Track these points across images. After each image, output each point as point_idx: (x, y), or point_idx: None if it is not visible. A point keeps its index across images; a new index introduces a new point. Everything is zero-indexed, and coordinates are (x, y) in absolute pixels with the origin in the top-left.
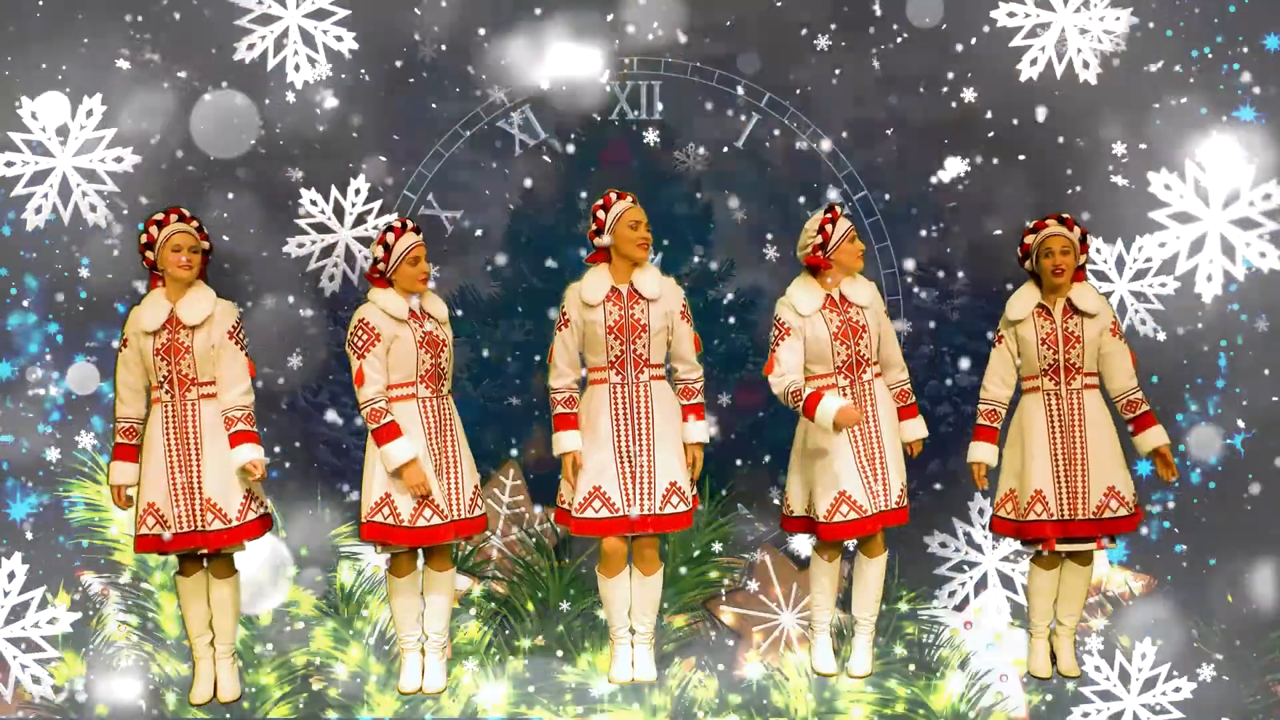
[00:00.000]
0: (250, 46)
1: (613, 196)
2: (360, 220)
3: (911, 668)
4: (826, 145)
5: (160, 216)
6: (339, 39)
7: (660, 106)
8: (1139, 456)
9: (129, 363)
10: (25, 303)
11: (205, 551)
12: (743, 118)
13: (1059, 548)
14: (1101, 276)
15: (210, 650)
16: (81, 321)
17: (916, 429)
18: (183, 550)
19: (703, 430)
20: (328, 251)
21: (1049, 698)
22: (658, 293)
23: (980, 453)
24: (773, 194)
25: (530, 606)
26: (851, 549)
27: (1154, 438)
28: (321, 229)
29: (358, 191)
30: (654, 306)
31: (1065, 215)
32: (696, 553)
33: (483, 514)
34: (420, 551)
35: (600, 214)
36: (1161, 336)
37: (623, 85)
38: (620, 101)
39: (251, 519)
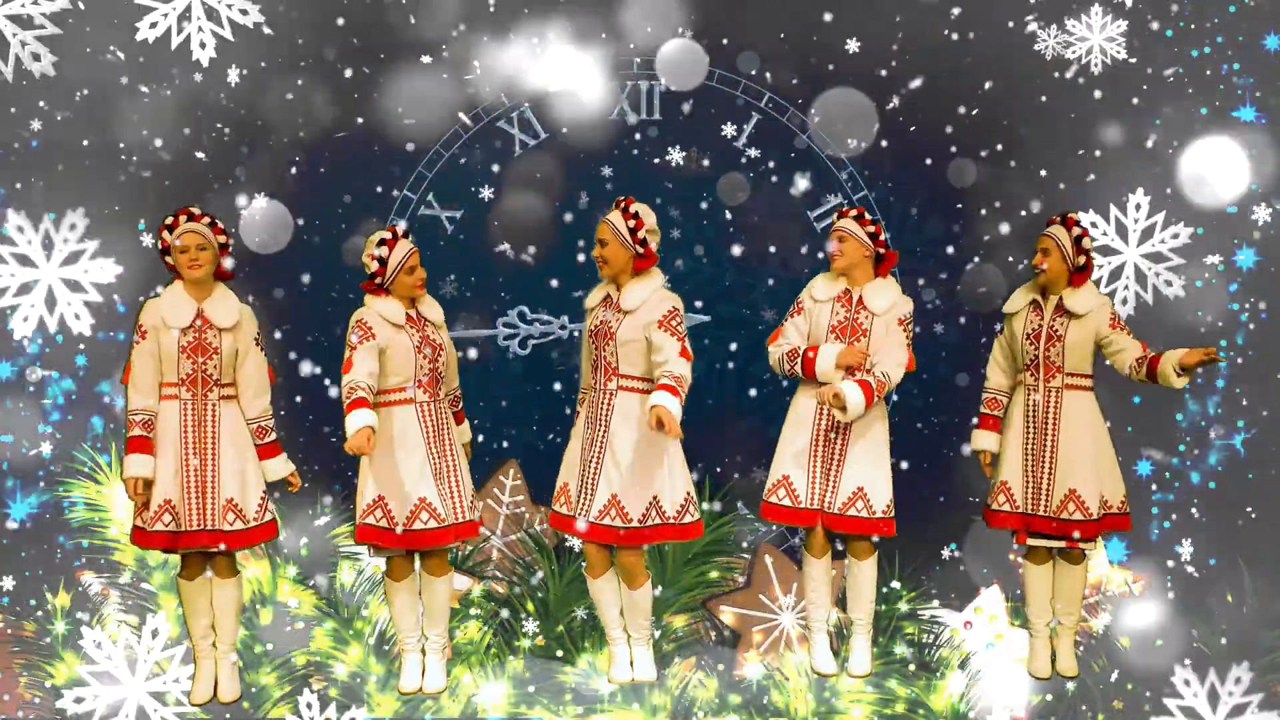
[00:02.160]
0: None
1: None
2: None
3: (911, 668)
4: (827, 146)
5: (170, 220)
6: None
7: (660, 107)
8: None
9: (147, 355)
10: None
11: (222, 549)
12: (743, 118)
13: (1030, 542)
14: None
15: (212, 651)
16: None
17: (849, 390)
18: (192, 549)
19: (668, 399)
20: None
21: (1049, 698)
22: (637, 304)
23: (982, 441)
24: (772, 194)
25: (530, 607)
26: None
27: (1172, 357)
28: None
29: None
30: (630, 318)
31: (1070, 214)
32: (696, 553)
33: (477, 519)
34: (416, 555)
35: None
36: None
37: (623, 86)
38: (621, 102)
39: (268, 520)
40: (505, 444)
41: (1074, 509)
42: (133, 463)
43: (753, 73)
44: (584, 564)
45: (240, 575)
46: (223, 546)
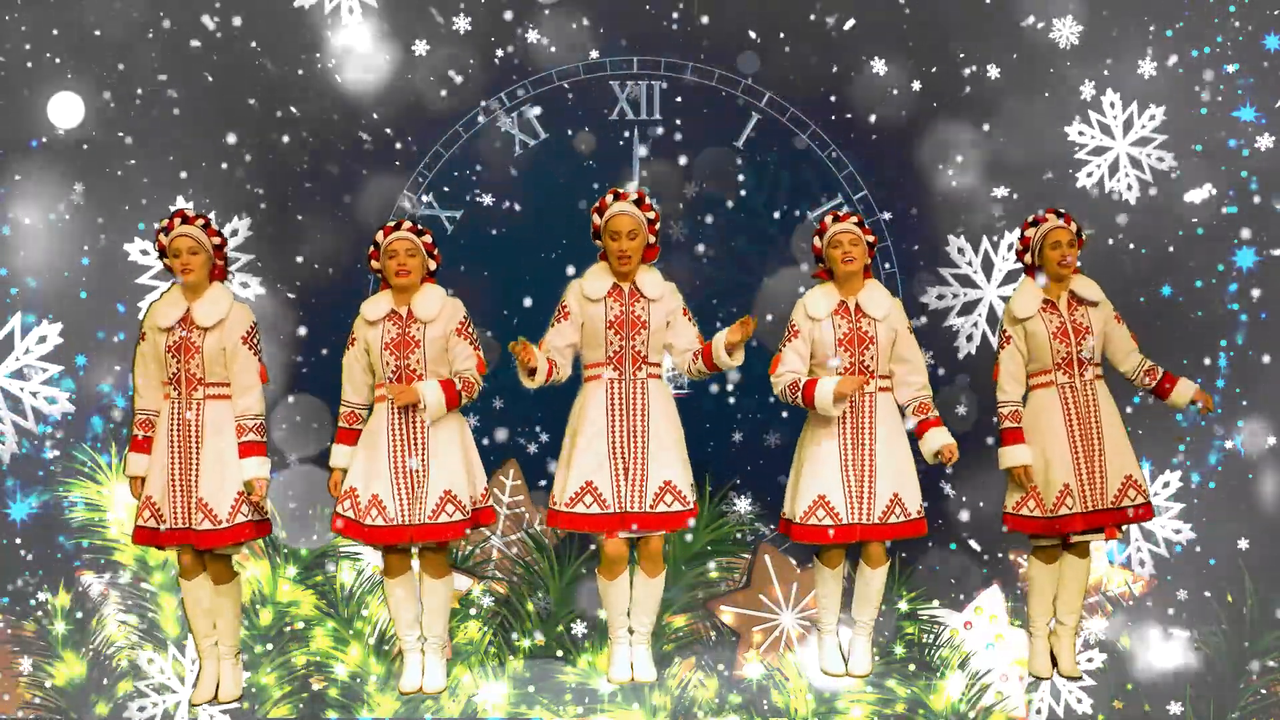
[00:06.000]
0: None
1: (609, 199)
2: None
3: (911, 668)
4: (827, 145)
5: (165, 223)
6: None
7: (660, 106)
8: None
9: (145, 356)
10: (25, 303)
11: (202, 550)
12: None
13: (1075, 538)
14: None
15: (215, 650)
16: (81, 321)
17: (938, 437)
18: (176, 546)
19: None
20: None
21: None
22: (659, 293)
23: (1020, 455)
24: (772, 194)
25: (530, 607)
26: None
27: (1185, 389)
28: None
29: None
30: (655, 306)
31: (1063, 210)
32: (696, 553)
33: (454, 521)
34: (413, 553)
35: (595, 217)
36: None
37: (623, 86)
38: (621, 102)
39: (242, 521)
40: (505, 444)
41: (1134, 494)
42: (129, 462)
43: (753, 72)
44: (598, 564)
45: (238, 578)
46: (193, 546)
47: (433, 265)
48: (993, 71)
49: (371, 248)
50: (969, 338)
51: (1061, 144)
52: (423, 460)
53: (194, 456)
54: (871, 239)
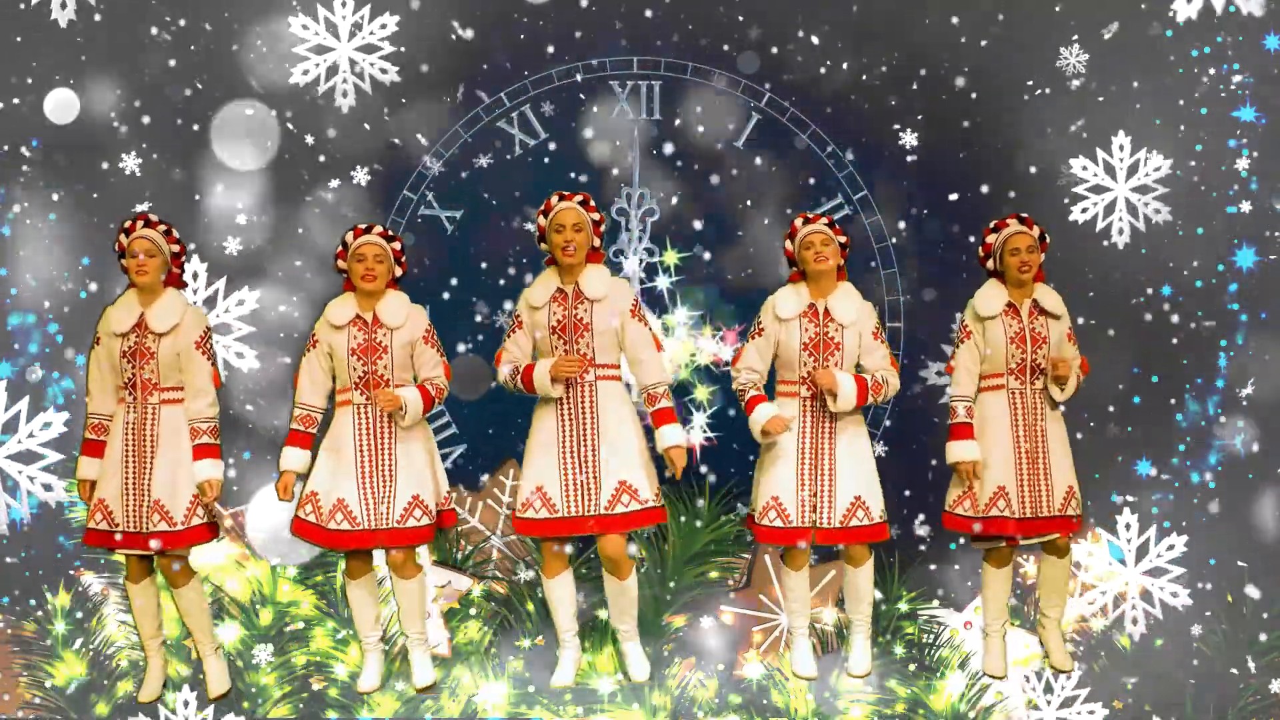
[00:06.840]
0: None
1: (554, 200)
2: None
3: (911, 668)
4: (827, 145)
5: (128, 223)
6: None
7: (660, 106)
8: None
9: (99, 360)
10: (25, 303)
11: (155, 553)
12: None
13: (1022, 543)
14: None
15: (162, 650)
16: (81, 321)
17: (844, 379)
18: (129, 550)
19: (677, 433)
20: None
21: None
22: (604, 293)
23: (968, 451)
24: (772, 194)
25: (530, 607)
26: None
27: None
28: None
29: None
30: (599, 306)
31: (1024, 215)
32: (696, 553)
33: (422, 526)
34: (372, 556)
35: (541, 219)
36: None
37: (623, 85)
38: (620, 101)
39: (197, 524)
40: (505, 444)
41: (1076, 505)
42: (80, 466)
43: (753, 72)
44: (540, 565)
45: (196, 577)
46: (155, 545)
47: (399, 272)
48: (995, 76)
49: (339, 247)
50: None
51: (1064, 175)
52: (390, 466)
53: (148, 461)
54: (843, 239)
